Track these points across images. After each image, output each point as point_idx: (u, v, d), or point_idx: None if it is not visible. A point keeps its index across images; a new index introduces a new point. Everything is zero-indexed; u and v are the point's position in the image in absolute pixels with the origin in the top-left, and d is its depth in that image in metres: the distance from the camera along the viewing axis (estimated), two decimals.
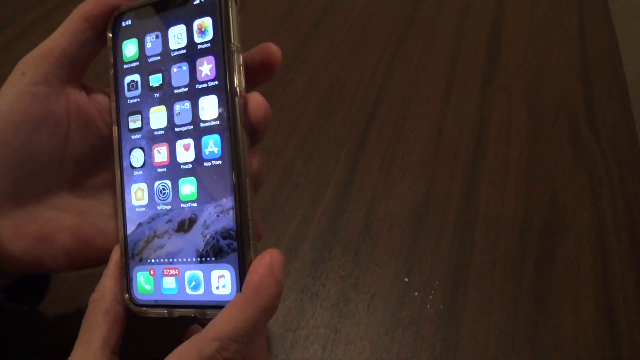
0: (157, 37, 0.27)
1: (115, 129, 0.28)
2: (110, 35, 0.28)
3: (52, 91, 0.27)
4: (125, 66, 0.28)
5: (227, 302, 0.24)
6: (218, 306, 0.25)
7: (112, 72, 0.28)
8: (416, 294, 0.39)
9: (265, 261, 0.24)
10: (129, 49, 0.28)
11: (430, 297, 0.39)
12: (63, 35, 0.27)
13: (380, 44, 0.65)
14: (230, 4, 0.26)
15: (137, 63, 0.28)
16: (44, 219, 0.28)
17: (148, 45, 0.28)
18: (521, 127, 0.53)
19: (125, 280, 0.27)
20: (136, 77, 0.28)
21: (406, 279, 0.40)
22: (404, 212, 0.45)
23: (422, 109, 0.56)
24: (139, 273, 0.27)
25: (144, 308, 0.27)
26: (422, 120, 0.54)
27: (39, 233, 0.27)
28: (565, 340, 0.36)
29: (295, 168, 0.49)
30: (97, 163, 0.30)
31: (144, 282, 0.27)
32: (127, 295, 0.27)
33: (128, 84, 0.28)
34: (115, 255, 0.28)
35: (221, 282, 0.25)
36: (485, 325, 0.37)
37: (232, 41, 0.26)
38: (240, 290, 0.24)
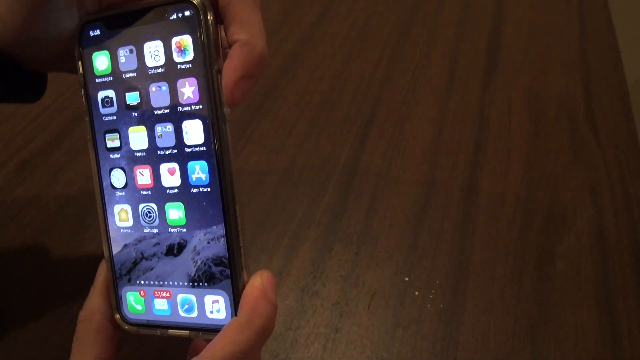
0: (131, 51, 0.26)
1: (90, 145, 0.27)
2: (78, 45, 0.26)
3: None
4: (98, 80, 0.26)
5: (222, 325, 0.24)
6: (213, 329, 0.25)
7: (82, 85, 0.27)
8: (417, 293, 0.39)
9: (258, 284, 0.24)
10: (100, 62, 0.26)
11: (431, 296, 0.39)
12: None
13: (380, 44, 0.65)
14: (211, 23, 0.24)
15: (111, 78, 0.26)
16: None
17: (122, 59, 0.26)
18: (521, 127, 0.53)
19: (115, 299, 0.27)
20: (110, 92, 0.26)
21: (406, 278, 0.40)
22: (404, 211, 0.45)
23: (422, 108, 0.56)
24: (128, 293, 0.27)
25: (136, 327, 0.27)
26: (422, 120, 0.54)
27: None
28: (565, 340, 0.36)
29: (296, 168, 0.49)
30: None
31: (134, 302, 0.27)
32: (117, 315, 0.27)
33: (102, 100, 0.26)
34: (103, 272, 0.27)
35: (215, 306, 0.26)
36: (485, 324, 0.37)
37: (216, 63, 0.24)
38: (236, 314, 0.25)
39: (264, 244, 0.42)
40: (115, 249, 0.27)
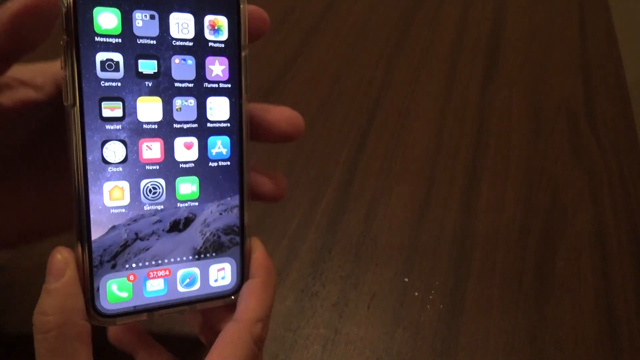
0: (152, 17, 0.24)
1: (75, 111, 0.23)
2: None
3: None
4: (98, 39, 0.23)
5: (227, 290, 0.27)
6: (217, 297, 0.27)
7: (67, 39, 0.23)
8: (416, 294, 0.39)
9: (260, 247, 0.28)
10: (106, 19, 0.23)
11: (430, 297, 0.39)
12: None
13: (380, 44, 0.65)
14: (246, 9, 0.26)
15: (119, 40, 0.24)
16: None
17: (138, 23, 0.24)
18: (521, 127, 0.53)
19: (90, 292, 0.24)
20: (116, 56, 0.24)
21: (406, 279, 0.40)
22: (404, 212, 0.45)
23: (422, 109, 0.56)
24: (109, 281, 0.25)
25: (113, 318, 0.25)
26: (422, 120, 0.54)
27: None
28: (565, 341, 0.36)
29: (295, 168, 0.49)
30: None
31: (117, 289, 0.25)
32: (91, 309, 0.24)
33: (102, 62, 0.23)
34: (70, 269, 0.24)
35: (220, 274, 0.27)
36: (485, 325, 0.37)
37: (245, 48, 0.26)
38: (244, 278, 0.27)
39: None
40: (97, 234, 0.24)
